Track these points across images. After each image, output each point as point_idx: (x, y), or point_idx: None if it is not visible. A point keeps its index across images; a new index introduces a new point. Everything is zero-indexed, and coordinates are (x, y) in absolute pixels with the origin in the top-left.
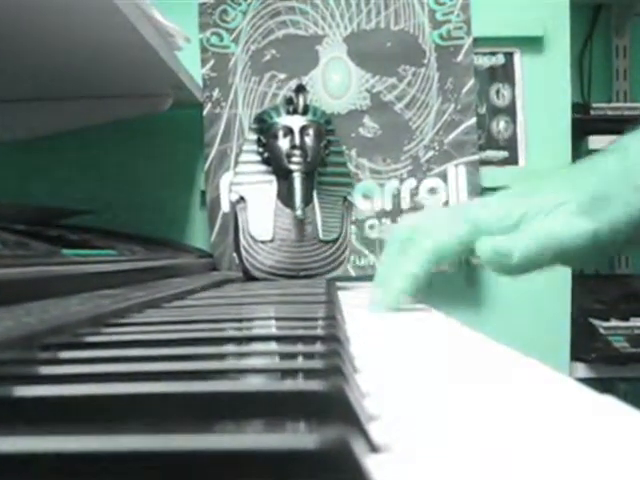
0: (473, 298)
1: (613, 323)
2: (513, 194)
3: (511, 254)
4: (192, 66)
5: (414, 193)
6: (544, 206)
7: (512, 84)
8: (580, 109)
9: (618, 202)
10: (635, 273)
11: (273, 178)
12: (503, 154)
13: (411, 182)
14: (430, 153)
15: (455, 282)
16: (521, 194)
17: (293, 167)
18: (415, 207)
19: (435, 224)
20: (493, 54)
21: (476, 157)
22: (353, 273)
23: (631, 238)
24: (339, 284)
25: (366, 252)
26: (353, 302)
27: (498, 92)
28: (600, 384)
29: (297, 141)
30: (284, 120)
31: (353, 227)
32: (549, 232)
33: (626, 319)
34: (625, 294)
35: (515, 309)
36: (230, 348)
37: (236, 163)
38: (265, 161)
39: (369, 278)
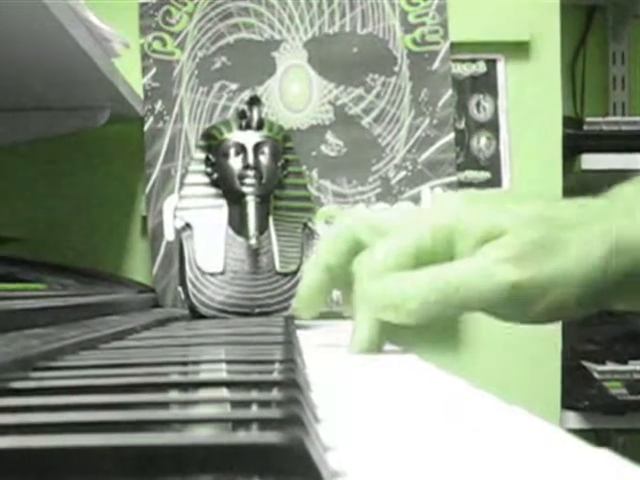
0: (450, 338)
1: (609, 367)
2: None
3: (408, 300)
4: (131, 75)
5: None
6: (484, 230)
7: (495, 95)
8: (572, 124)
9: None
10: (633, 310)
11: (223, 202)
12: (485, 175)
13: (380, 206)
14: (402, 174)
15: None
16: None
17: (246, 190)
18: None
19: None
20: (473, 61)
21: (454, 178)
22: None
23: (580, 297)
24: (299, 322)
25: None
26: (315, 343)
27: (479, 104)
28: (595, 436)
29: (251, 160)
30: (236, 136)
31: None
32: (462, 277)
33: (624, 362)
34: (622, 334)
35: (497, 350)
36: (175, 395)
37: (181, 185)
38: (214, 183)
39: (333, 315)
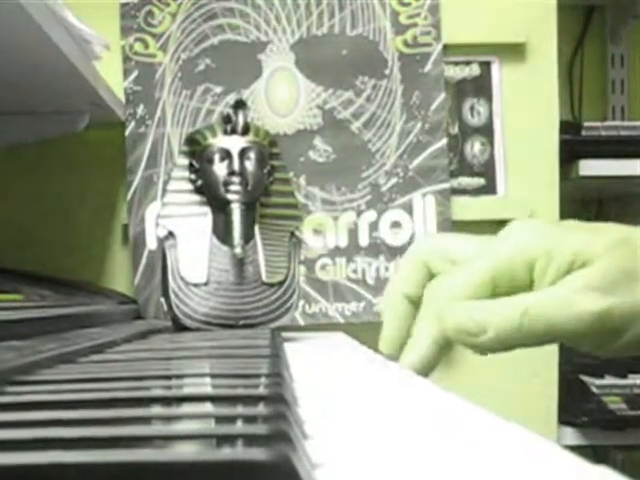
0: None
1: (608, 381)
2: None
3: (484, 329)
4: (112, 78)
5: (374, 227)
6: (565, 259)
7: (489, 99)
8: (569, 129)
9: None
10: None
11: (208, 210)
12: (479, 181)
13: (370, 215)
14: (393, 180)
15: None
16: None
17: (231, 197)
18: (375, 244)
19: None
20: (467, 64)
21: (447, 185)
22: (302, 322)
23: None
24: (286, 335)
25: (317, 297)
26: (302, 356)
27: (473, 109)
28: (593, 453)
29: (236, 166)
30: (220, 142)
31: (302, 268)
32: (539, 307)
33: (623, 376)
34: None
35: (492, 363)
36: (157, 410)
37: (164, 192)
38: (198, 190)
39: (321, 328)
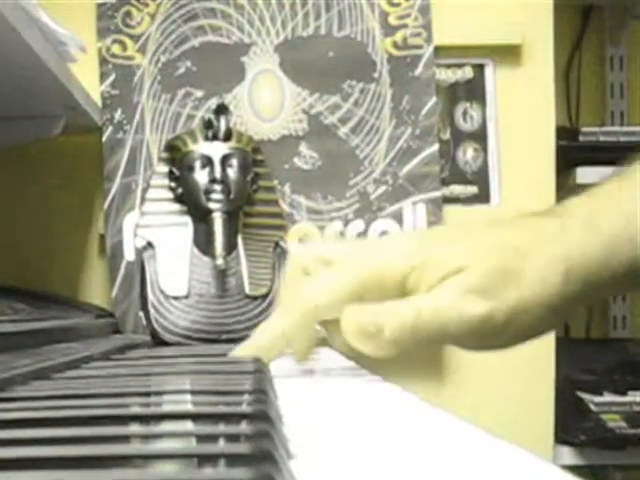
0: (434, 366)
1: (607, 398)
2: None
3: (381, 330)
4: (89, 81)
5: (362, 238)
6: (439, 267)
7: (482, 103)
8: (566, 134)
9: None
10: (634, 337)
11: (188, 220)
12: (471, 190)
13: (358, 224)
14: (382, 188)
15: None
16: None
17: (213, 206)
18: None
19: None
20: (459, 66)
21: (438, 193)
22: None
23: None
24: None
25: None
26: (287, 372)
27: (465, 113)
28: (591, 472)
29: (218, 174)
30: (202, 148)
31: None
32: (431, 310)
33: (623, 393)
34: (621, 362)
35: (485, 380)
36: (136, 428)
37: (143, 201)
38: (178, 198)
39: None
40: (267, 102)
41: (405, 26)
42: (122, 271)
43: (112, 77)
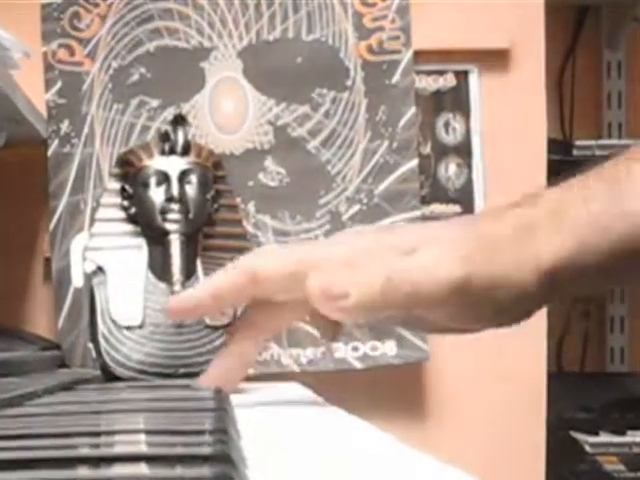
0: (414, 402)
1: (603, 438)
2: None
3: (346, 294)
4: (33, 90)
5: None
6: (419, 239)
7: (466, 114)
8: (559, 148)
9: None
10: (633, 371)
11: (143, 242)
12: (454, 209)
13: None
14: (355, 207)
15: (391, 379)
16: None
17: (170, 227)
18: None
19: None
20: (441, 73)
21: (417, 213)
22: (251, 370)
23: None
24: None
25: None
26: (251, 410)
27: (448, 125)
28: None
29: (175, 191)
30: (157, 163)
31: None
32: (403, 272)
33: (621, 433)
34: (618, 399)
35: (471, 418)
36: (84, 472)
37: (92, 221)
38: (132, 218)
39: (273, 377)
40: (229, 112)
41: (381, 29)
42: (69, 298)
43: (58, 85)
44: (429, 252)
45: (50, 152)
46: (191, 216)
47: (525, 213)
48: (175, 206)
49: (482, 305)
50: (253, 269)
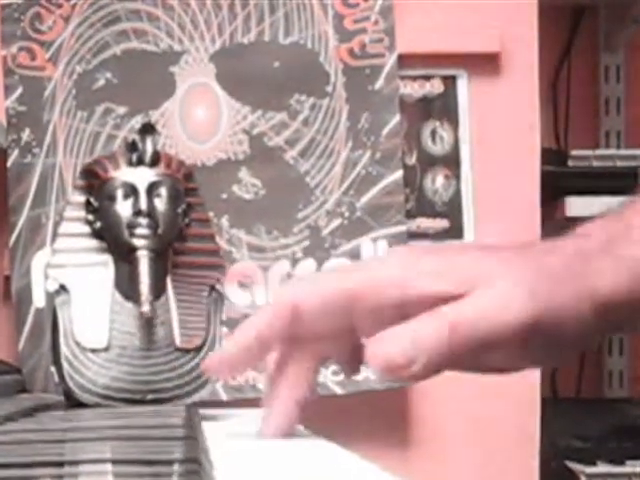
0: (400, 430)
1: (601, 468)
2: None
3: (412, 362)
4: None
5: None
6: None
7: (455, 122)
8: (554, 158)
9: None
10: (632, 396)
11: (109, 258)
12: (441, 223)
13: (309, 264)
14: (336, 222)
15: (374, 406)
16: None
17: (137, 243)
18: None
19: None
20: (427, 79)
21: (402, 228)
22: (225, 396)
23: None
24: (204, 412)
25: None
26: (225, 438)
27: (434, 134)
28: None
29: (143, 205)
30: (124, 175)
31: (224, 329)
32: (468, 320)
33: (620, 463)
34: (617, 426)
35: (458, 447)
36: None
37: (55, 236)
38: (97, 234)
39: (248, 403)
40: (201, 120)
41: (364, 31)
42: (30, 319)
43: (19, 91)
44: (492, 292)
45: (10, 163)
46: (160, 231)
47: (578, 244)
48: (143, 220)
49: (551, 342)
50: (295, 302)
